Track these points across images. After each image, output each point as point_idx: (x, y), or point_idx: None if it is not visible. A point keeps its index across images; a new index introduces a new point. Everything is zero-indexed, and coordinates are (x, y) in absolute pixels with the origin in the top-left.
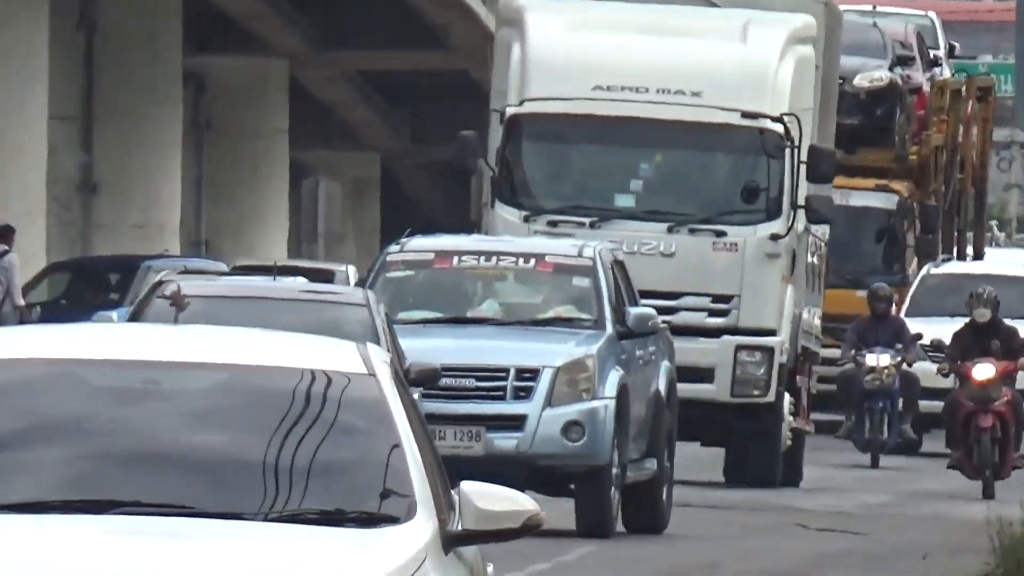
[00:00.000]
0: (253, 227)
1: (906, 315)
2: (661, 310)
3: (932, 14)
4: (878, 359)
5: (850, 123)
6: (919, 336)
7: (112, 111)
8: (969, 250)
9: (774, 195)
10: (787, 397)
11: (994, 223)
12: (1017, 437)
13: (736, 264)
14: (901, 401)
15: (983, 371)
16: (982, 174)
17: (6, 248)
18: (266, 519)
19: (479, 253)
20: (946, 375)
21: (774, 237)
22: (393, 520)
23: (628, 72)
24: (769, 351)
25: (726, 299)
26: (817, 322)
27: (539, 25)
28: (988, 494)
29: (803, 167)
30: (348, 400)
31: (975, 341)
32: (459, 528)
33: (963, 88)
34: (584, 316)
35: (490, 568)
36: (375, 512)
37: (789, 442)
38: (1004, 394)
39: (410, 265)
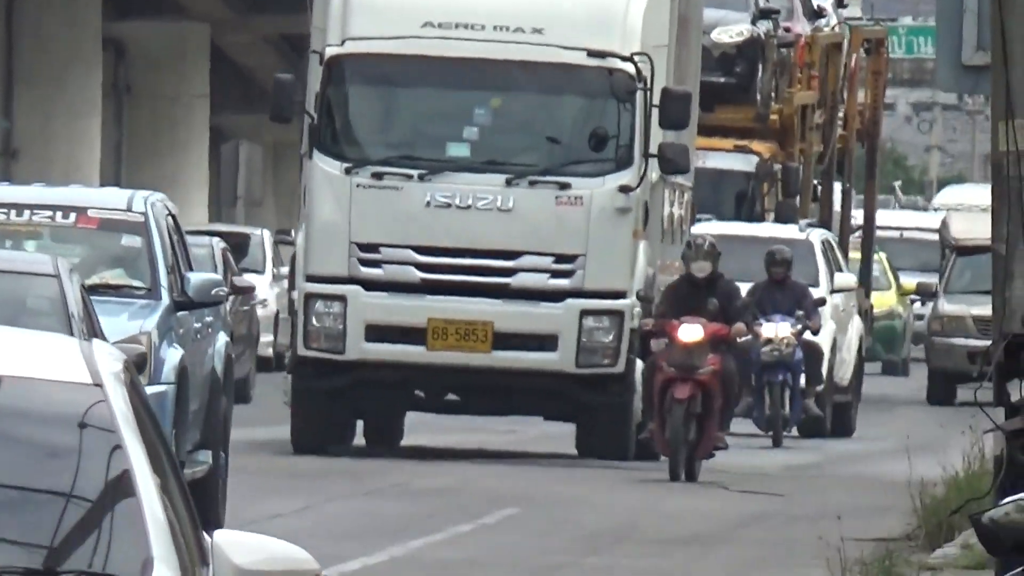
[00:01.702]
0: (173, 191)
1: None
2: (499, 271)
3: None
4: (776, 328)
5: (709, 80)
6: (822, 302)
7: (32, 76)
8: (859, 212)
9: (624, 143)
10: (639, 365)
11: (897, 183)
12: (724, 413)
13: (582, 220)
14: (803, 374)
15: (690, 332)
16: (873, 131)
17: None
18: None
19: (6, 206)
20: (649, 333)
21: (624, 189)
22: None
23: (461, 8)
24: (618, 315)
25: (570, 259)
26: None
27: None
28: (675, 475)
29: (656, 112)
30: (61, 419)
31: (690, 297)
32: None
33: (845, 41)
34: (136, 283)
35: None
36: (97, 572)
37: (640, 414)
38: (711, 362)
39: None
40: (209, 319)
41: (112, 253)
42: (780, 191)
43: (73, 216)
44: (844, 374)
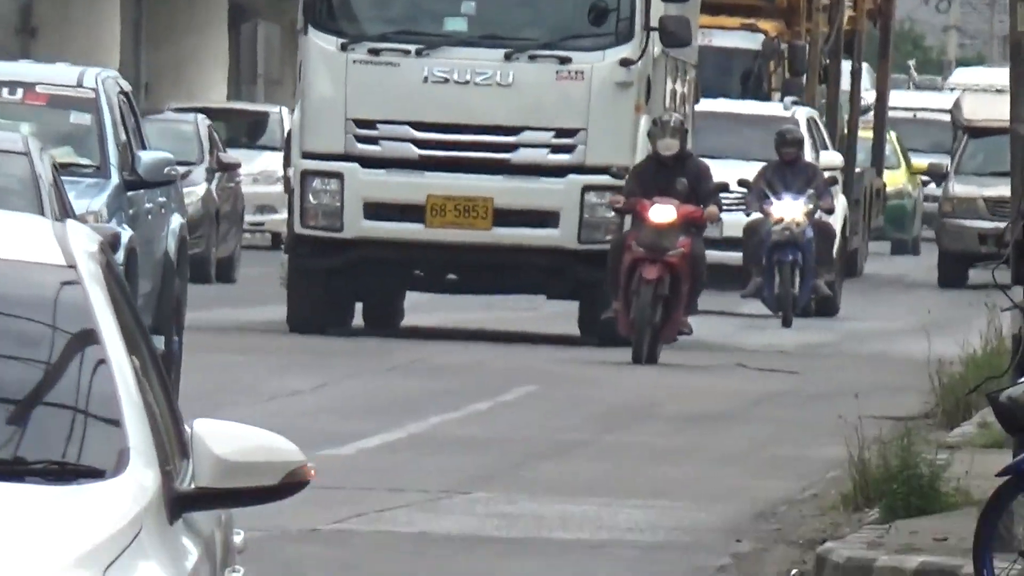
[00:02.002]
0: (193, 70)
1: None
2: (499, 147)
3: None
4: (787, 208)
5: None
6: (834, 181)
7: None
8: (870, 90)
9: (625, 16)
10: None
11: (912, 63)
12: (691, 296)
13: (582, 94)
14: (815, 253)
15: (661, 212)
16: (886, 9)
17: None
18: None
19: None
20: (619, 212)
21: (625, 63)
22: (96, 474)
23: None
24: (621, 190)
25: (571, 133)
26: None
27: None
28: (638, 357)
29: None
30: (33, 301)
31: (658, 177)
32: (191, 486)
33: None
34: (85, 161)
35: (239, 538)
36: (70, 462)
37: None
38: (681, 244)
39: None
40: (162, 200)
41: (61, 130)
42: (787, 69)
43: (21, 91)
44: None
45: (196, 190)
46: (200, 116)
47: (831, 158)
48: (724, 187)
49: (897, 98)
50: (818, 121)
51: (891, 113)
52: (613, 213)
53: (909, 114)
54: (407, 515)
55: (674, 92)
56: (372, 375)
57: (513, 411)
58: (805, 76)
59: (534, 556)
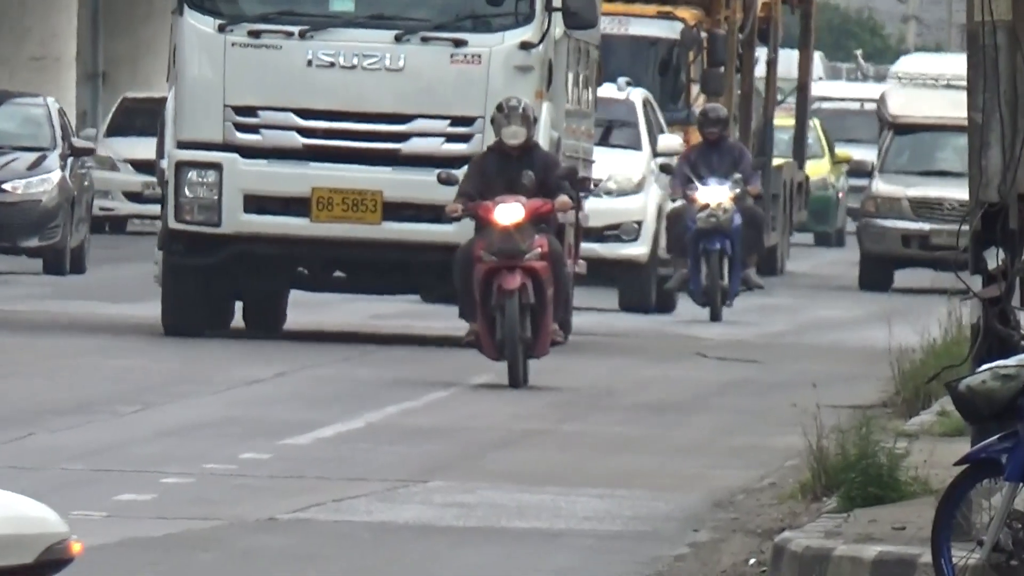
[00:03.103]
0: (150, 59)
1: None
2: (389, 136)
3: None
4: (712, 192)
5: None
6: (761, 164)
7: None
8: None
9: None
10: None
11: (859, 52)
12: (558, 300)
13: (480, 80)
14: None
15: (508, 212)
16: None
17: None
18: None
19: None
20: (457, 217)
21: (525, 46)
22: None
23: None
24: None
25: (468, 121)
26: (588, 144)
27: None
28: (515, 381)
29: None
30: None
31: (501, 171)
32: None
33: None
34: None
35: None
36: None
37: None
38: (537, 244)
39: None
40: None
41: None
42: (705, 60)
43: None
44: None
45: (51, 177)
46: (51, 100)
47: (669, 142)
48: (574, 172)
49: (844, 88)
50: (653, 103)
51: (838, 104)
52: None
53: (856, 104)
54: (365, 504)
55: (577, 76)
56: (332, 365)
57: (471, 400)
58: (723, 67)
59: (491, 545)
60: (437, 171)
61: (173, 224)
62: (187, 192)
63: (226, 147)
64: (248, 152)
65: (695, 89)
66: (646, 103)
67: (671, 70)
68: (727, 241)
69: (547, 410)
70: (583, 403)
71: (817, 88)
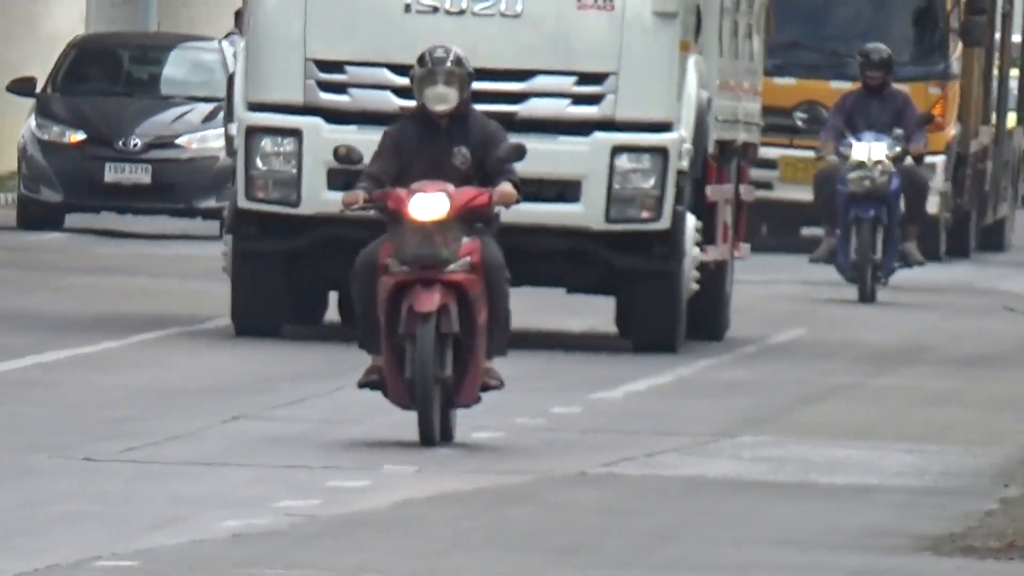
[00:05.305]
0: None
1: None
2: (504, 96)
3: None
4: (869, 149)
5: None
6: (929, 118)
7: None
8: None
9: None
10: (691, 220)
11: None
12: (493, 328)
13: (613, 28)
14: (903, 209)
15: (427, 204)
16: None
17: None
18: None
19: None
20: (356, 210)
21: None
22: None
23: None
24: (661, 153)
25: (599, 79)
26: (753, 104)
27: None
28: (429, 438)
29: None
30: None
31: (423, 148)
32: None
33: None
34: None
35: None
36: None
37: (695, 285)
38: (466, 250)
39: None
40: None
41: None
42: (962, 8)
43: None
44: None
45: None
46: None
47: None
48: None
49: None
50: None
51: None
52: (649, 184)
53: None
54: (676, 459)
55: (735, 24)
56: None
57: (779, 355)
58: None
59: (801, 500)
60: (556, 136)
61: (243, 203)
62: (260, 164)
63: (307, 110)
64: (334, 116)
65: (953, 41)
66: None
67: (928, 19)
68: (883, 208)
69: (856, 364)
70: (892, 357)
71: None
